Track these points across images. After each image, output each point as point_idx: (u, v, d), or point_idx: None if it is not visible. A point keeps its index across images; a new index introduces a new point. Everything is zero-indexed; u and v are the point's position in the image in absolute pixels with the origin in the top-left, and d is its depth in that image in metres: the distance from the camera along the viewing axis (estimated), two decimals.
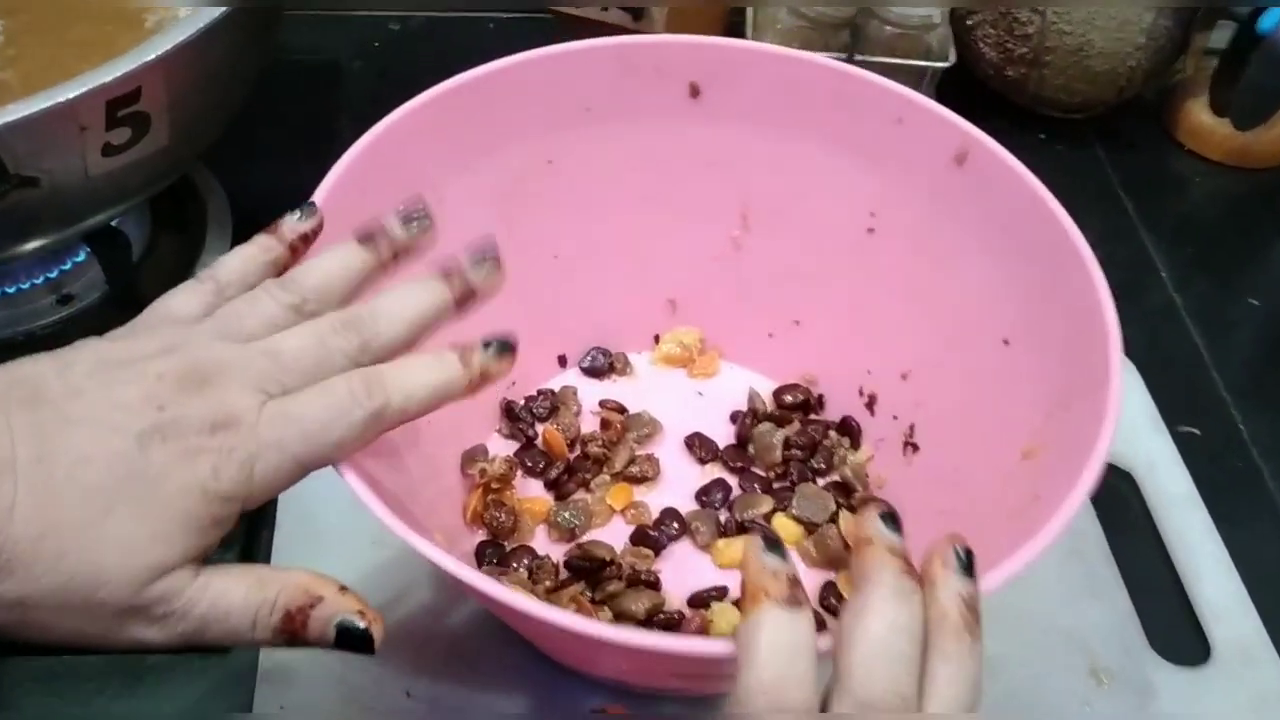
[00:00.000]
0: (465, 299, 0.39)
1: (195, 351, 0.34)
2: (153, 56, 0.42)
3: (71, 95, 0.40)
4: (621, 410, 0.55)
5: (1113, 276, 0.41)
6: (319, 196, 0.42)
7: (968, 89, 0.72)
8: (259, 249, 0.39)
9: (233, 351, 0.34)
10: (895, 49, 0.68)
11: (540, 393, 0.56)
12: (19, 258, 0.49)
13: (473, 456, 0.52)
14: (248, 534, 0.50)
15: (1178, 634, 0.50)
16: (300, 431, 0.34)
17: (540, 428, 0.54)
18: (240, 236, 0.60)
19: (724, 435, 0.55)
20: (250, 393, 0.34)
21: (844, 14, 0.67)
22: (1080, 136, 0.75)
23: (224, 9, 0.44)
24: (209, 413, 0.33)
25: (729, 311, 0.57)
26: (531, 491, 0.53)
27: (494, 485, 0.51)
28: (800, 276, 0.54)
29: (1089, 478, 0.36)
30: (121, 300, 0.57)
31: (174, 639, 0.33)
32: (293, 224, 0.39)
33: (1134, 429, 0.57)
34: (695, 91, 0.51)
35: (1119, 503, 0.54)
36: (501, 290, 0.40)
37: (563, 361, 0.57)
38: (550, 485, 0.53)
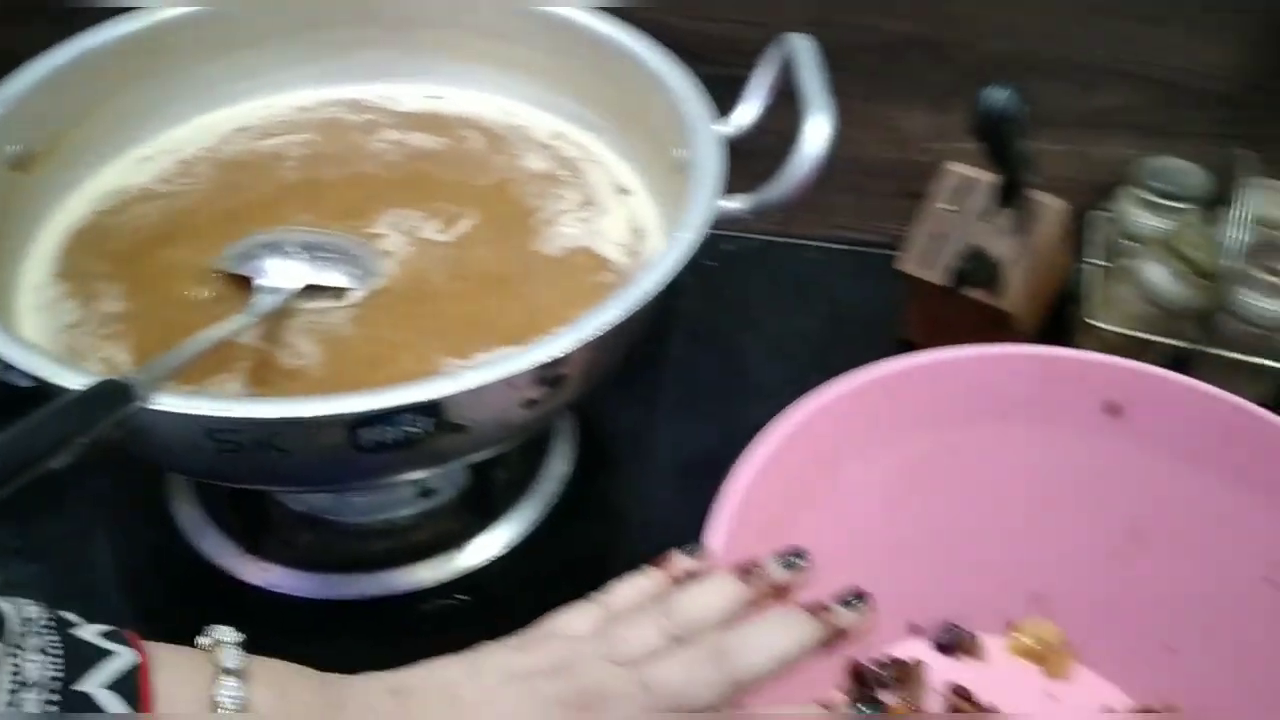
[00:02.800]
0: (835, 639, 0.41)
1: (582, 675, 0.39)
2: (592, 336, 0.46)
3: (520, 369, 0.44)
4: (972, 701, 0.54)
5: None
6: (745, 467, 0.45)
7: None
8: (649, 581, 0.43)
9: (615, 678, 0.39)
10: (1247, 345, 0.65)
11: (891, 660, 0.56)
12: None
13: None
14: None
15: None
16: None
17: (885, 696, 0.55)
18: (582, 447, 0.66)
19: None
20: None
21: (1195, 304, 0.65)
22: None
23: (656, 291, 0.48)
24: None
25: (1096, 618, 0.56)
26: None
27: None
28: (1182, 605, 0.53)
29: None
30: (475, 501, 0.62)
31: None
32: (684, 563, 0.43)
33: None
34: (1113, 410, 0.51)
35: None
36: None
37: (913, 629, 0.58)
38: None
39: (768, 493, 0.47)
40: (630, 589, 0.43)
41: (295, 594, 0.59)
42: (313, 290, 0.55)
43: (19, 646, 0.34)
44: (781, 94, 0.57)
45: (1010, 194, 0.59)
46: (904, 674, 0.56)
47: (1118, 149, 0.72)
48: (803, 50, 0.55)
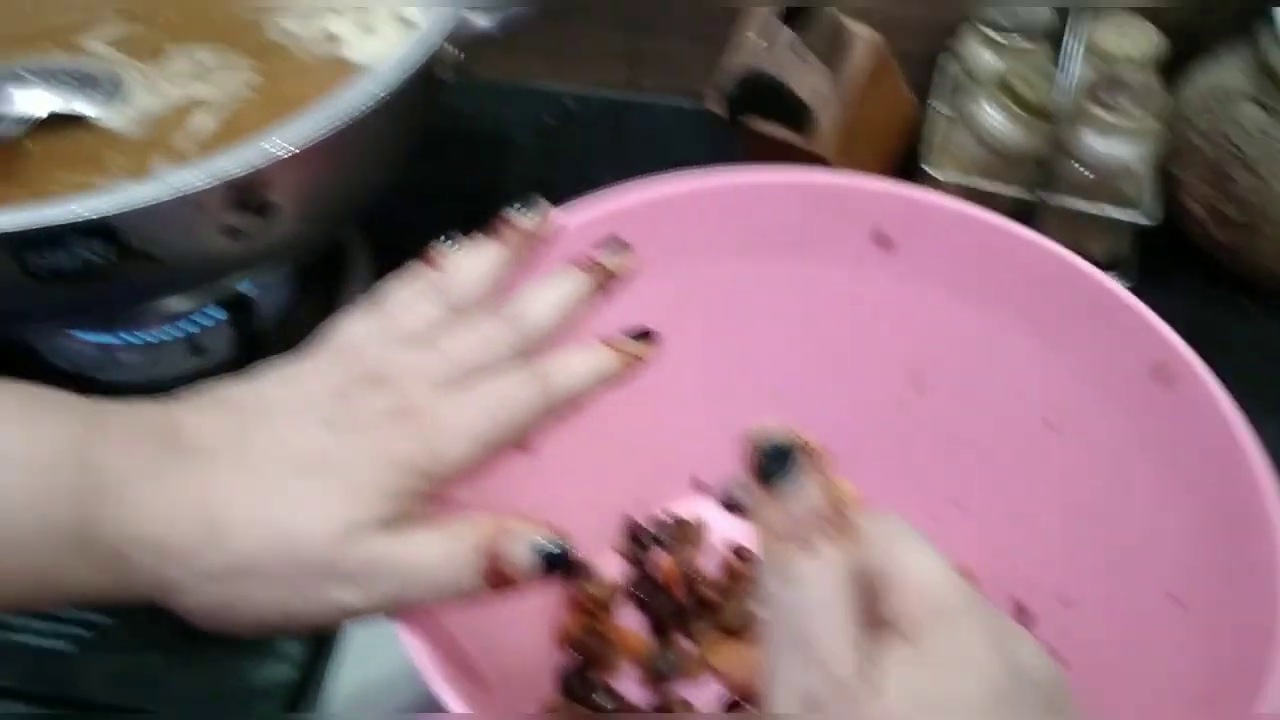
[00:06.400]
0: (605, 282, 0.42)
1: (370, 358, 0.36)
2: (284, 152, 0.42)
3: (195, 186, 0.40)
4: (748, 558, 0.51)
5: None
6: None
7: (1176, 250, 0.65)
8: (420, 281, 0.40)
9: (405, 355, 0.36)
10: (1090, 193, 0.61)
11: (673, 519, 0.53)
12: (145, 315, 0.50)
13: None
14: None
15: None
16: (479, 412, 0.35)
17: (658, 556, 0.52)
18: None
19: None
20: (427, 387, 0.35)
21: (1033, 148, 0.61)
22: None
23: (372, 104, 0.44)
24: (391, 404, 0.35)
25: (886, 473, 0.52)
26: (633, 621, 0.50)
27: (592, 608, 0.49)
28: (968, 454, 0.50)
29: None
30: (248, 357, 0.58)
31: (376, 601, 0.33)
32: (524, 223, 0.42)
33: None
34: (881, 240, 0.47)
35: None
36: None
37: (699, 486, 0.54)
38: (655, 623, 0.50)
39: None
40: (402, 286, 0.40)
41: None
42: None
43: None
44: None
45: (799, 14, 0.54)
46: (682, 533, 0.53)
47: None
48: None
